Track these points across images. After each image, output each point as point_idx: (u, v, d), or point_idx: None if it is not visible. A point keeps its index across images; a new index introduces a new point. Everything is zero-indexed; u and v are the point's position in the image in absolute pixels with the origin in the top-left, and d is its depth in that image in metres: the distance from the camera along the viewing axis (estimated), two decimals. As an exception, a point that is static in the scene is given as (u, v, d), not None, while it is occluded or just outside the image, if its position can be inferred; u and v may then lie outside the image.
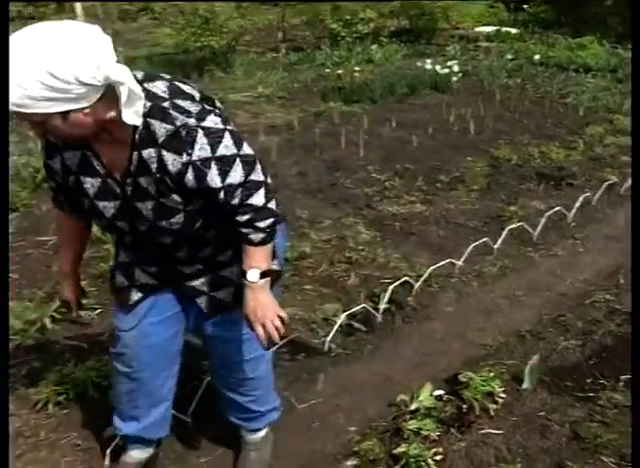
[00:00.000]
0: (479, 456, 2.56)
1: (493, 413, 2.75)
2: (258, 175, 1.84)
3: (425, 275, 3.64)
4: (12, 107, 1.60)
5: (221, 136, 1.77)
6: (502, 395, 2.82)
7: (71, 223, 2.19)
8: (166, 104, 1.76)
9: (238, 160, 1.80)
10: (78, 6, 8.89)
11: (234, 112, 7.05)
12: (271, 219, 1.89)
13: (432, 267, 3.68)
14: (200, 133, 1.74)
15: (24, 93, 1.56)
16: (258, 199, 1.85)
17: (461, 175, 5.32)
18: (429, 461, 2.48)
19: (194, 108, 1.76)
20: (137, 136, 1.78)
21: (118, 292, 2.19)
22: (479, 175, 5.27)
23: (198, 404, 2.66)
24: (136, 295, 2.16)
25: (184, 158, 1.76)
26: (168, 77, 1.85)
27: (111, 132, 1.77)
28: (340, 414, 2.80)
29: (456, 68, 8.30)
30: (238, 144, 1.81)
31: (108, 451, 2.50)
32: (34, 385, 2.93)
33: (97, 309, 3.46)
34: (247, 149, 1.83)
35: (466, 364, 3.05)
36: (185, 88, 1.83)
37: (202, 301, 2.14)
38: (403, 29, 11.43)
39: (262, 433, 2.53)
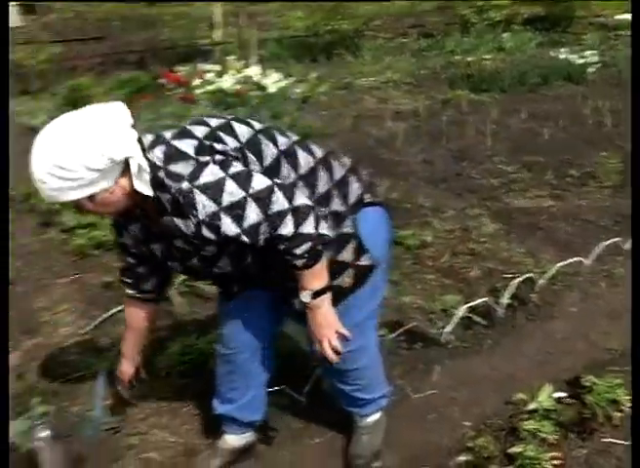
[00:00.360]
0: (600, 466, 2.45)
1: (617, 422, 2.63)
2: (279, 206, 1.81)
3: (551, 272, 3.52)
4: (47, 200, 1.84)
5: (222, 185, 1.78)
6: (628, 404, 2.69)
7: (137, 309, 2.34)
8: (161, 174, 1.83)
9: (249, 200, 1.79)
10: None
11: (361, 97, 7.05)
12: (308, 244, 1.84)
13: (559, 264, 3.54)
14: (196, 193, 1.78)
15: (46, 186, 1.77)
16: (286, 229, 1.82)
17: (594, 170, 5.09)
18: (546, 465, 2.40)
19: (187, 170, 1.80)
20: (155, 207, 1.89)
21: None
22: (612, 171, 5.02)
23: (314, 384, 2.69)
24: (236, 287, 2.20)
25: (193, 220, 1.82)
26: (168, 136, 1.90)
27: (140, 203, 1.90)
28: (455, 408, 2.75)
29: (593, 58, 7.93)
30: (245, 185, 1.80)
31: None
32: (159, 353, 3.05)
33: (220, 285, 3.56)
34: (258, 184, 1.81)
35: (589, 367, 2.92)
36: (181, 145, 1.85)
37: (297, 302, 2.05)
38: (537, 17, 11.02)
39: (375, 417, 2.53)
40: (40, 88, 7.29)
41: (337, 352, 2.05)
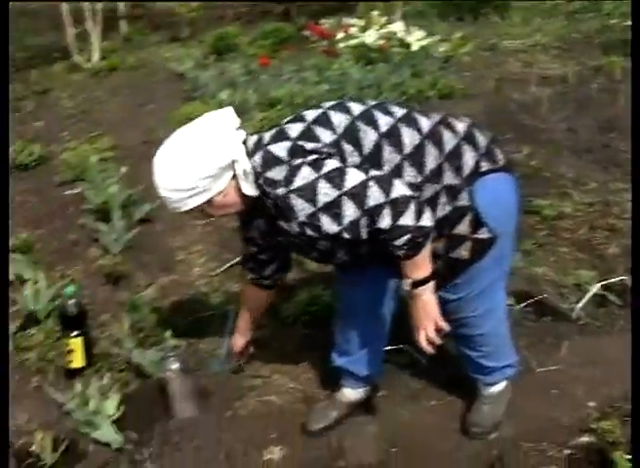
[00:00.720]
0: None
1: None
2: (375, 200, 1.79)
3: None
4: (172, 211, 2.03)
5: (316, 187, 1.82)
6: None
7: (255, 293, 2.47)
8: (261, 181, 1.93)
9: (345, 198, 1.80)
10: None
11: (505, 60, 6.79)
12: (407, 236, 1.82)
13: None
14: (292, 197, 1.84)
15: (169, 201, 1.99)
16: (384, 222, 1.81)
17: None
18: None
19: (281, 175, 1.87)
20: (264, 211, 2.01)
21: None
22: None
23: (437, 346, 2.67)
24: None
25: (295, 222, 1.89)
26: (266, 139, 1.97)
27: (251, 203, 2.01)
28: (580, 386, 2.66)
29: None
30: (338, 183, 1.81)
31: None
32: (287, 301, 3.13)
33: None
34: (352, 181, 1.81)
35: None
36: (276, 149, 1.91)
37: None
38: None
39: (499, 387, 2.49)
40: (189, 35, 7.50)
41: (432, 343, 2.03)
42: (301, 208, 1.85)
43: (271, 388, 2.67)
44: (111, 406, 2.46)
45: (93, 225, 3.62)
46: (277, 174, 1.88)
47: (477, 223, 2.04)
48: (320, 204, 1.83)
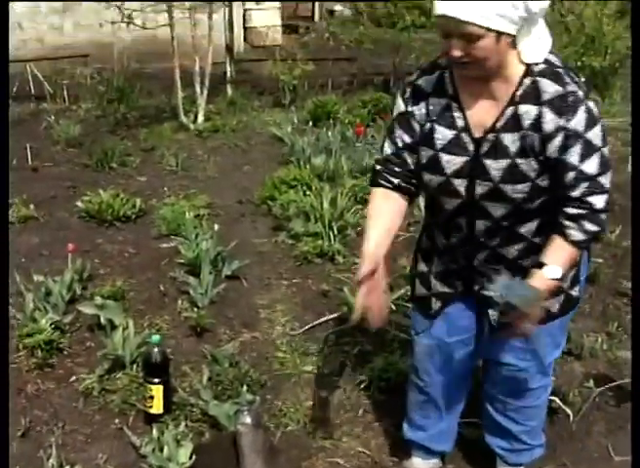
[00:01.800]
0: None
1: None
2: (606, 180, 1.86)
3: None
4: (467, 17, 1.71)
5: (595, 123, 1.83)
6: None
7: (385, 200, 2.08)
8: (560, 70, 1.84)
9: (599, 154, 1.84)
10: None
11: (604, 137, 6.73)
12: (598, 228, 1.87)
13: None
14: (584, 107, 1.81)
15: (488, 10, 1.70)
16: (598, 201, 1.85)
17: None
18: None
19: (583, 85, 1.84)
20: (519, 92, 1.86)
21: (419, 300, 2.28)
22: None
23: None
24: (435, 305, 2.21)
25: (562, 122, 1.81)
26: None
27: (498, 77, 1.85)
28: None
29: None
30: (604, 141, 1.85)
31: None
32: (361, 365, 3.17)
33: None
34: (607, 153, 1.86)
35: None
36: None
37: (494, 313, 2.08)
38: None
39: None
40: (290, 102, 7.80)
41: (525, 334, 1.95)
42: (579, 121, 1.80)
43: (340, 451, 2.69)
44: (184, 454, 2.55)
45: (183, 278, 3.78)
46: (579, 80, 1.86)
47: (575, 280, 2.06)
48: (587, 136, 1.81)
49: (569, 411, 2.83)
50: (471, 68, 1.82)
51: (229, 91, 8.18)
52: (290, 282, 3.97)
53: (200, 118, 7.02)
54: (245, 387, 2.87)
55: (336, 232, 4.28)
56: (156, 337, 2.82)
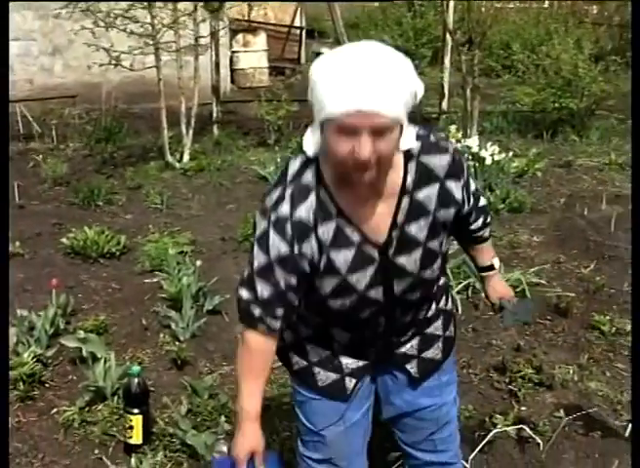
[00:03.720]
0: None
1: None
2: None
3: None
4: (383, 110, 1.53)
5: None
6: None
7: (266, 348, 1.87)
8: (432, 138, 1.77)
9: (469, 176, 1.93)
10: (447, 60, 9.42)
11: (579, 177, 6.91)
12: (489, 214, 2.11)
13: None
14: (463, 157, 1.87)
15: (398, 100, 1.55)
16: (484, 200, 2.06)
17: None
18: None
19: (438, 133, 1.86)
20: (408, 181, 1.74)
21: (328, 389, 2.00)
22: None
23: None
24: (350, 383, 2.00)
25: (461, 182, 1.81)
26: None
27: (384, 173, 1.69)
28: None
29: None
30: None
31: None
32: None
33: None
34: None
35: None
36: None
37: (412, 366, 2.02)
38: None
39: None
40: (275, 141, 7.96)
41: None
42: (467, 167, 1.91)
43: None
44: (162, 483, 2.60)
45: (165, 313, 3.86)
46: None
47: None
48: (468, 171, 1.93)
49: (539, 440, 2.90)
50: (373, 169, 1.61)
51: (215, 131, 8.35)
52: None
53: (186, 157, 7.16)
54: (223, 418, 2.93)
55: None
56: (136, 368, 2.89)
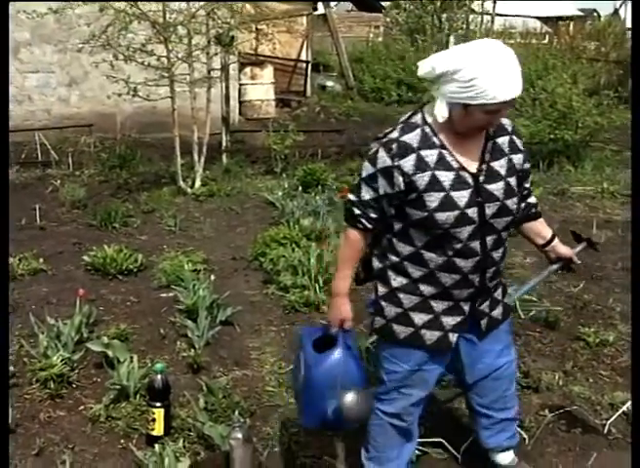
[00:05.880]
0: None
1: None
2: None
3: None
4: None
5: None
6: None
7: (361, 243, 2.47)
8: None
9: None
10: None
11: (572, 204, 7.24)
12: None
13: None
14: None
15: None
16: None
17: None
18: None
19: None
20: (490, 131, 2.39)
21: (435, 345, 2.49)
22: None
23: (471, 442, 3.00)
24: (453, 337, 2.51)
25: (521, 144, 2.47)
26: None
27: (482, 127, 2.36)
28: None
29: None
30: None
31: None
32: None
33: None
34: None
35: None
36: None
37: (484, 322, 2.56)
38: None
39: (513, 455, 2.89)
40: (282, 169, 8.33)
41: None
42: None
43: (321, 467, 3.03)
44: (183, 467, 2.88)
45: (182, 322, 4.16)
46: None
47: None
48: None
49: (525, 435, 3.18)
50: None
51: (225, 159, 8.72)
52: (278, 328, 4.35)
53: (197, 183, 7.52)
54: (237, 413, 3.22)
55: (321, 284, 4.68)
56: (159, 365, 3.19)
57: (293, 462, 3.08)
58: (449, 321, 2.48)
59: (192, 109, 7.49)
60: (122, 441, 3.18)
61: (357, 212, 2.41)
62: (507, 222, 2.43)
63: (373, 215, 2.40)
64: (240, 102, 12.46)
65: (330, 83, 15.37)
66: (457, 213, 2.31)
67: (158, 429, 3.14)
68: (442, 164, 2.30)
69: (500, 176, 2.38)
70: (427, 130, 2.33)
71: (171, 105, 7.35)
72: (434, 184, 2.29)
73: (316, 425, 2.65)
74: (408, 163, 2.29)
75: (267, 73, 12.89)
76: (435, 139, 2.32)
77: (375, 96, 14.83)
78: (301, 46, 14.80)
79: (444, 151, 2.32)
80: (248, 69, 12.59)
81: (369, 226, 2.42)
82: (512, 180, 2.41)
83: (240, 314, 4.42)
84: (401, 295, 2.46)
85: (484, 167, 2.36)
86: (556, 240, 2.78)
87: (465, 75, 2.17)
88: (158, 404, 3.14)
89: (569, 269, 2.94)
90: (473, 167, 2.35)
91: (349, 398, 2.43)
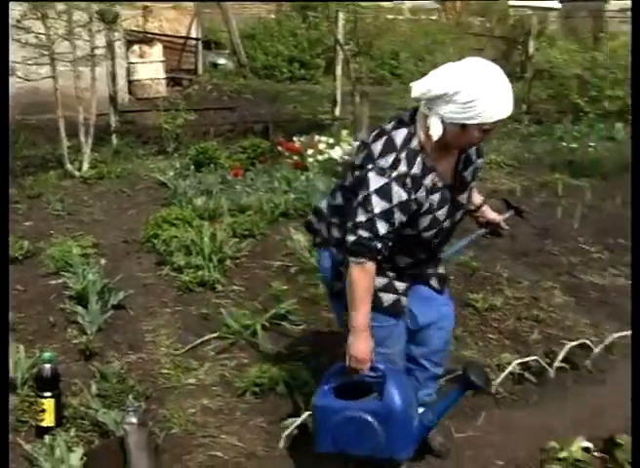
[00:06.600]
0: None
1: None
2: None
3: (607, 341, 3.73)
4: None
5: None
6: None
7: (374, 272, 2.48)
8: None
9: None
10: (339, 70, 9.84)
11: (461, 175, 7.43)
12: None
13: (616, 334, 3.76)
14: None
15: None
16: None
17: (678, 256, 5.20)
18: (565, 505, 2.64)
19: None
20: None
21: (391, 308, 2.65)
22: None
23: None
24: (405, 301, 2.70)
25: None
26: None
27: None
28: (491, 449, 3.04)
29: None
30: None
31: (284, 435, 2.99)
32: (238, 376, 3.52)
33: (300, 325, 4.03)
34: None
35: (628, 431, 3.10)
36: None
37: (434, 281, 2.80)
38: (655, 110, 11.08)
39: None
40: (174, 149, 8.17)
41: None
42: None
43: (218, 446, 3.03)
44: (75, 457, 2.80)
45: (72, 309, 4.03)
46: None
47: None
48: None
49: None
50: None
51: (114, 140, 8.47)
52: (173, 309, 4.29)
53: (85, 166, 7.26)
54: (131, 397, 3.15)
55: (215, 263, 4.64)
56: (47, 354, 3.09)
57: (190, 442, 3.05)
58: (400, 286, 2.66)
59: (76, 89, 7.21)
60: (10, 436, 3.06)
61: (379, 246, 2.41)
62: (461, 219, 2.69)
63: (388, 246, 2.45)
64: (129, 82, 12.08)
65: (221, 61, 15.11)
66: (437, 228, 2.52)
67: (48, 420, 3.04)
68: (435, 189, 2.44)
69: (467, 184, 2.59)
70: (424, 156, 2.41)
71: (53, 85, 7.06)
72: (429, 208, 2.45)
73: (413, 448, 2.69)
74: (421, 194, 2.40)
75: (156, 51, 12.55)
76: (429, 163, 2.42)
77: (267, 73, 14.71)
78: (191, 23, 14.47)
79: (435, 174, 2.44)
80: (136, 47, 12.21)
81: (386, 254, 2.47)
82: (473, 183, 2.64)
83: (133, 297, 4.32)
84: None
85: (458, 178, 2.53)
86: (485, 206, 2.95)
87: (465, 97, 2.26)
88: (47, 394, 3.04)
89: (498, 234, 3.10)
90: (449, 179, 2.51)
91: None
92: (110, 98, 8.80)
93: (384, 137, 2.42)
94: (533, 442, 3.05)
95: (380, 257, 2.43)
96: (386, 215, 2.36)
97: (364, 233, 2.38)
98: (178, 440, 3.07)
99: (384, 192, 2.34)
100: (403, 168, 2.36)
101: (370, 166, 2.38)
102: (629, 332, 3.77)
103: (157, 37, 13.02)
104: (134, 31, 12.39)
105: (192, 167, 7.03)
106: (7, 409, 2.65)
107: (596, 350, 3.71)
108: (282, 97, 11.05)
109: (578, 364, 3.67)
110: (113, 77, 8.83)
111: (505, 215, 3.08)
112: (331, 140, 7.60)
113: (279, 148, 7.63)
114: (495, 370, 3.61)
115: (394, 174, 2.35)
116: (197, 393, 3.43)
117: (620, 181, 7.39)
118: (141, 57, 12.28)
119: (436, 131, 2.35)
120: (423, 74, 2.48)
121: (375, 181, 2.35)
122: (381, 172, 2.36)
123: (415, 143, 2.41)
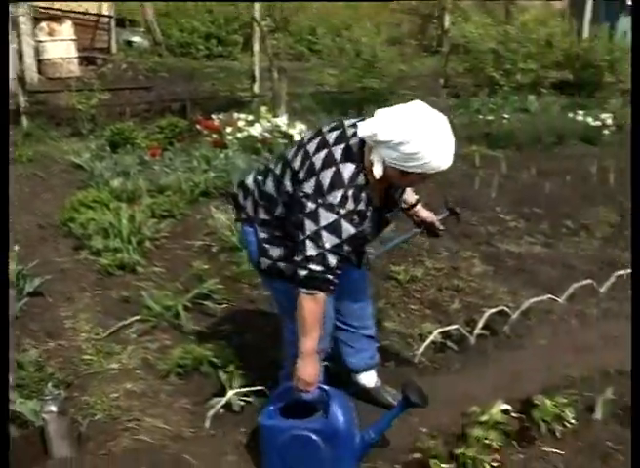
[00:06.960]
0: (537, 470, 2.75)
1: (559, 436, 2.93)
2: None
3: (524, 307, 3.84)
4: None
5: None
6: (572, 421, 2.99)
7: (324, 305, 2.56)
8: None
9: None
10: (256, 46, 9.73)
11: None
12: None
13: (532, 300, 3.87)
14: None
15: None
16: None
17: (589, 222, 5.40)
18: (486, 466, 2.72)
19: None
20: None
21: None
22: (606, 223, 5.34)
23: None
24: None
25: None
26: None
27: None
28: (415, 416, 3.09)
29: (609, 121, 8.29)
30: None
31: (209, 415, 2.97)
32: (161, 358, 3.47)
33: (223, 304, 4.00)
34: None
35: (545, 392, 3.20)
36: None
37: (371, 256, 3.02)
38: (565, 82, 11.42)
39: (376, 377, 3.19)
40: (89, 130, 7.95)
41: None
42: None
43: (143, 429, 2.98)
44: (-7, 450, 2.71)
45: (-17, 298, 3.88)
46: None
47: None
48: None
49: (343, 374, 3.29)
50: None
51: (25, 122, 8.17)
52: (92, 294, 4.19)
53: (-6, 149, 6.98)
54: (50, 385, 3.07)
55: (134, 245, 4.55)
56: (-43, 345, 2.96)
57: (115, 428, 3.00)
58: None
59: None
60: None
61: (331, 277, 2.46)
62: None
63: (339, 273, 2.49)
64: (39, 61, 11.66)
65: (136, 38, 14.74)
66: (367, 240, 2.66)
67: (-39, 414, 2.93)
68: (373, 216, 2.51)
69: (395, 201, 2.66)
70: (369, 190, 2.45)
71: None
72: (367, 234, 2.57)
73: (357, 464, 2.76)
74: (366, 225, 2.50)
75: (66, 29, 12.12)
76: (371, 195, 2.46)
77: (183, 50, 14.45)
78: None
79: (372, 205, 2.48)
80: (44, 24, 11.76)
81: (332, 289, 2.52)
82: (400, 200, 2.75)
83: (50, 283, 4.20)
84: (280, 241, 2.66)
85: (389, 198, 2.60)
86: (419, 205, 3.02)
87: (409, 149, 2.28)
88: (-40, 386, 2.92)
89: (435, 234, 3.12)
90: (381, 200, 2.56)
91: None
92: (18, 78, 8.47)
93: (332, 169, 2.42)
94: (455, 408, 3.12)
95: (335, 285, 2.50)
96: (336, 249, 2.42)
97: (316, 267, 2.42)
98: (102, 426, 3.01)
99: (334, 228, 2.39)
100: (350, 205, 2.40)
101: (320, 200, 2.40)
102: (545, 297, 3.93)
103: (67, 14, 12.58)
104: (42, 8, 11.94)
105: (108, 148, 6.87)
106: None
107: (514, 316, 3.82)
108: (199, 74, 10.87)
109: (497, 330, 3.77)
110: (20, 55, 8.50)
111: (440, 217, 3.11)
112: (250, 117, 7.54)
113: (197, 127, 7.52)
114: (417, 339, 3.67)
115: (342, 211, 2.39)
116: (120, 377, 3.37)
117: (534, 152, 7.63)
118: (51, 34, 11.86)
119: (377, 171, 2.40)
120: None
121: (324, 217, 2.39)
122: (330, 208, 2.39)
123: (361, 179, 2.43)
